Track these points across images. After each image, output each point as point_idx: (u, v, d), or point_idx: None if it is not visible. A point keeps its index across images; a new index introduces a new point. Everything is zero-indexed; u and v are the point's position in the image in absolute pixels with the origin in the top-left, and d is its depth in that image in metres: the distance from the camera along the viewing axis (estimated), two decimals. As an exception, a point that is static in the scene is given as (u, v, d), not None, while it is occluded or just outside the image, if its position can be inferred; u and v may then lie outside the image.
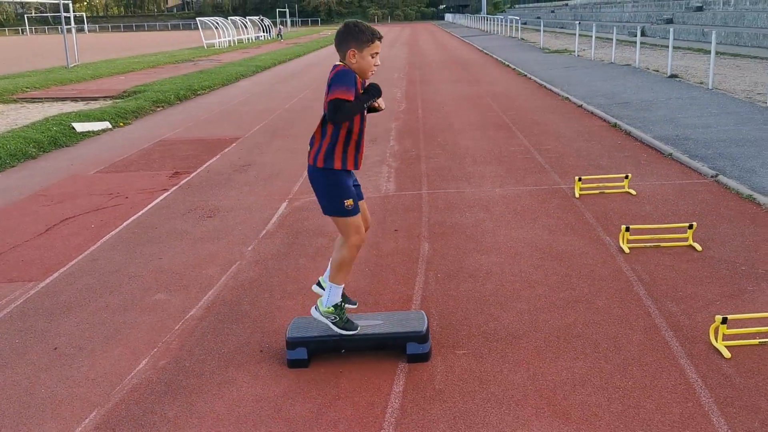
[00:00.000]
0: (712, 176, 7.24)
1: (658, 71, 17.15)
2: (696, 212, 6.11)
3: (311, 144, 3.69)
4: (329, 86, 3.50)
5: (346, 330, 3.80)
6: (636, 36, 30.86)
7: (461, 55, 29.71)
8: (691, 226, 5.29)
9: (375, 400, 3.43)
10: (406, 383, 3.56)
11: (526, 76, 18.87)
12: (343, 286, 3.81)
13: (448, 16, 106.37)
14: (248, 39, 54.62)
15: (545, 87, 16.11)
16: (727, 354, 3.62)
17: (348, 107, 3.45)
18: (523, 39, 36.91)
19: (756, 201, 6.29)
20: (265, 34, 60.28)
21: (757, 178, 6.95)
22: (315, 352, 3.81)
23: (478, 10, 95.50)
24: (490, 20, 54.39)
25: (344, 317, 3.82)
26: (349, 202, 3.65)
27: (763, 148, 8.17)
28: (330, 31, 79.65)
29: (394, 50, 36.56)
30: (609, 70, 18.33)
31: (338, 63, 3.61)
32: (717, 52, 20.47)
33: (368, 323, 3.87)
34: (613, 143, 9.31)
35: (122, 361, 3.97)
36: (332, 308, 3.81)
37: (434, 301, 4.55)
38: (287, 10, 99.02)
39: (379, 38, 3.57)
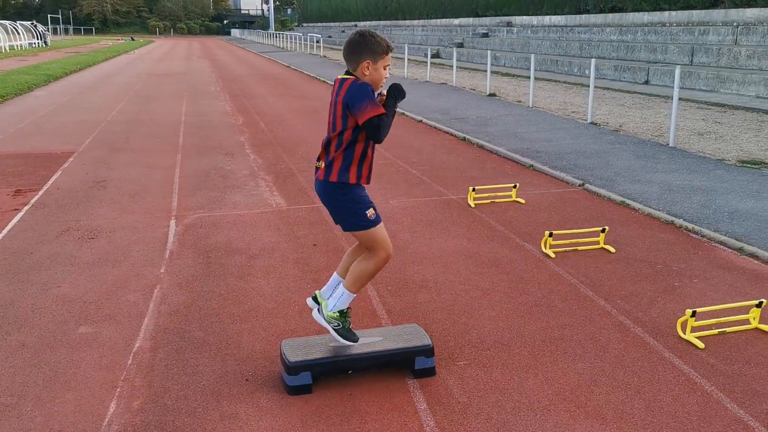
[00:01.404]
0: (579, 185, 7.86)
1: (475, 90, 18.30)
2: (587, 217, 6.59)
3: (325, 160, 3.46)
4: (351, 104, 3.31)
5: (347, 340, 3.58)
6: (437, 57, 32.77)
7: (270, 70, 29.46)
8: (603, 230, 5.70)
9: (405, 421, 3.26)
10: (428, 400, 3.43)
11: (348, 92, 19.14)
12: (354, 296, 3.60)
13: (235, 32, 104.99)
14: (20, 46, 49.80)
15: (374, 103, 16.45)
16: (701, 345, 3.94)
17: (385, 121, 3.31)
18: (325, 56, 37.49)
19: (630, 206, 6.92)
20: (38, 41, 55.32)
21: (620, 185, 7.66)
22: (320, 375, 3.54)
23: (264, 27, 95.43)
24: (286, 37, 54.62)
25: (347, 326, 3.60)
26: (370, 212, 3.47)
27: (608, 159, 9.03)
28: (111, 41, 75.06)
29: (194, 64, 35.37)
30: (429, 88, 19.20)
31: (346, 76, 3.43)
32: (512, 75, 22.40)
33: (369, 341, 3.68)
34: (473, 156, 9.76)
35: (84, 406, 3.40)
36: (338, 314, 3.58)
37: (401, 315, 4.44)
38: (60, 17, 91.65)
39: (392, 50, 3.45)
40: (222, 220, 6.63)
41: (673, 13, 22.75)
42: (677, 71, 9.87)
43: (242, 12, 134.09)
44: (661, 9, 23.48)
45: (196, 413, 3.34)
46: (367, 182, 3.52)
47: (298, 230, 6.31)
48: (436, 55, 33.32)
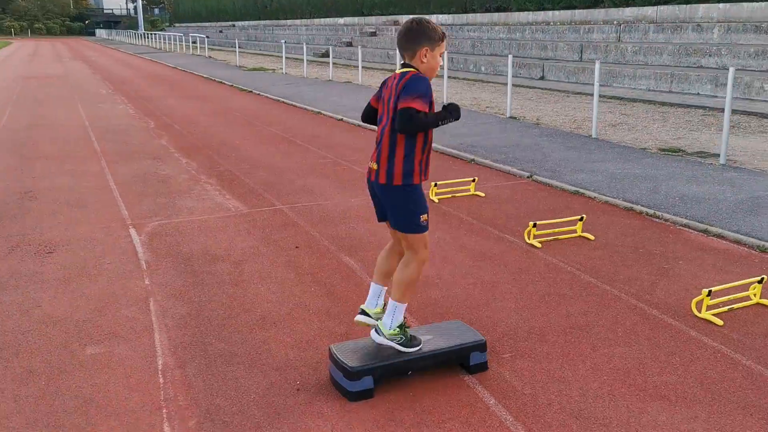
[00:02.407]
0: (527, 176, 8.09)
1: (380, 88, 18.36)
2: (550, 208, 6.78)
3: (378, 160, 3.35)
4: (403, 91, 3.21)
5: (413, 347, 3.50)
6: (326, 56, 32.63)
7: (158, 72, 28.26)
8: (581, 219, 5.89)
9: (482, 417, 3.22)
10: (494, 395, 3.40)
11: (252, 92, 18.73)
12: (406, 305, 3.50)
13: (101, 32, 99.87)
14: None
15: (284, 102, 16.21)
16: (719, 322, 4.15)
17: (421, 119, 3.18)
18: (210, 57, 36.44)
19: (586, 195, 7.20)
20: None
21: (566, 176, 7.94)
22: (381, 379, 3.43)
23: (132, 27, 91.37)
24: (159, 37, 52.56)
25: (408, 335, 3.51)
26: (424, 217, 3.40)
27: (544, 151, 9.33)
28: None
29: (69, 65, 33.40)
30: (336, 87, 19.09)
31: (405, 69, 3.33)
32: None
33: (422, 339, 3.61)
34: (411, 153, 9.80)
35: (135, 429, 3.12)
36: (397, 329, 3.48)
37: (423, 311, 4.39)
38: None
39: (446, 37, 3.40)
40: (185, 227, 6.29)
41: (557, 12, 23.86)
42: (597, 66, 10.36)
43: (106, 11, 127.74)
44: (545, 9, 24.56)
45: (263, 428, 3.15)
46: (426, 177, 3.45)
47: (271, 233, 6.09)
48: (325, 55, 33.22)
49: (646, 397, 3.38)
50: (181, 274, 5.12)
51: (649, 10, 20.04)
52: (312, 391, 3.47)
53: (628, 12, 20.77)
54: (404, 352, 3.49)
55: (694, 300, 4.33)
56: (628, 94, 15.13)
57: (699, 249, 5.52)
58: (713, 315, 4.21)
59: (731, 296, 4.40)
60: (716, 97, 13.92)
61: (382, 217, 3.61)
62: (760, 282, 4.44)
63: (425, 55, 3.31)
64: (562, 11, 23.63)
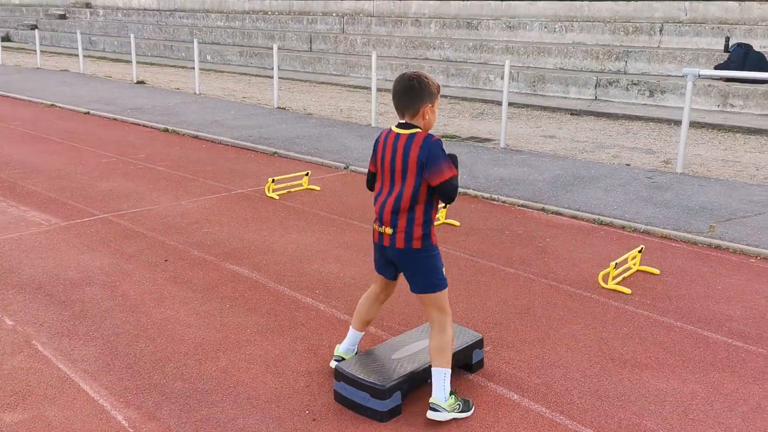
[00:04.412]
0: (344, 168, 8.05)
1: (111, 77, 16.70)
2: (390, 198, 6.84)
3: (393, 225, 3.10)
4: (429, 163, 3.00)
5: (472, 408, 3.23)
6: (7, 40, 28.54)
7: None
8: (445, 206, 6.04)
9: (521, 415, 3.18)
10: (513, 389, 3.37)
11: (-57, 81, 15.73)
12: (450, 370, 3.20)
13: None
14: None
15: (2, 95, 13.93)
16: (627, 291, 4.59)
17: (456, 182, 3.09)
18: None
19: (413, 183, 7.39)
20: None
21: (381, 165, 8.06)
22: (408, 393, 3.18)
23: None
24: None
25: (460, 398, 3.24)
26: (444, 271, 3.21)
27: (338, 141, 9.32)
28: None
29: None
30: (51, 75, 16.85)
31: (404, 130, 3.09)
32: (145, 63, 21.08)
33: (423, 345, 3.41)
34: (207, 148, 9.12)
35: None
36: (452, 398, 3.17)
37: (387, 319, 4.15)
38: None
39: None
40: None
41: (274, 2, 23.93)
42: (374, 56, 10.64)
43: None
44: (260, -3, 24.49)
45: (317, 472, 2.74)
46: None
47: (121, 247, 5.25)
48: (6, 38, 29.18)
49: (633, 368, 3.63)
50: (46, 307, 4.17)
51: (367, 4, 21.12)
52: (330, 419, 3.10)
53: (347, 5, 21.64)
54: (425, 358, 3.27)
55: (602, 273, 4.75)
56: (362, 83, 15.77)
57: (550, 226, 6.04)
58: (617, 286, 4.67)
59: (622, 268, 4.90)
60: (449, 86, 15.21)
61: (383, 273, 3.34)
62: (640, 251, 5.03)
63: (428, 113, 3.11)
64: (279, 1, 23.77)
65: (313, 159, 8.38)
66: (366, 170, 3.37)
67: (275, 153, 8.77)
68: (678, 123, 11.15)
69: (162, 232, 5.62)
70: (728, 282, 4.83)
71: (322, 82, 16.41)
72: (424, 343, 3.45)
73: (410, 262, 3.15)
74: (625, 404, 3.29)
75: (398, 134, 3.10)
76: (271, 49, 20.72)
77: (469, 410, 3.21)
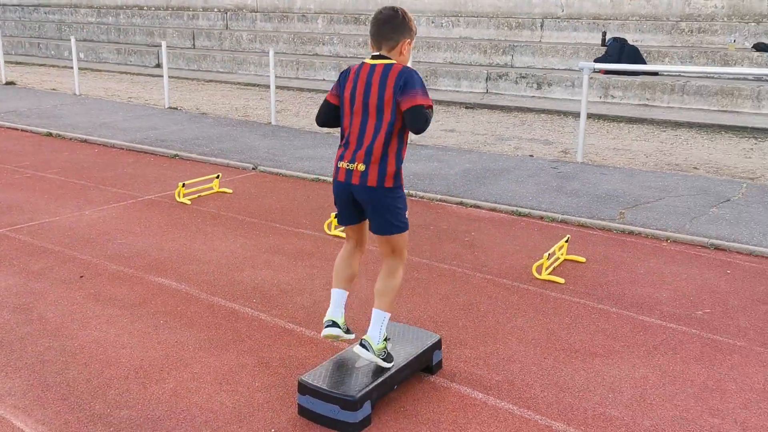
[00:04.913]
0: (252, 168, 7.80)
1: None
2: (309, 197, 6.67)
3: (366, 161, 3.01)
4: (405, 88, 2.94)
5: (391, 361, 3.21)
6: None
7: None
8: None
9: (491, 414, 3.16)
10: (477, 388, 3.35)
11: None
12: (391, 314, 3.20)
13: None
14: None
15: None
16: (561, 281, 4.70)
17: (430, 115, 3.02)
18: None
19: (328, 181, 7.26)
20: None
21: (294, 164, 7.85)
22: (376, 401, 3.08)
23: None
24: None
25: (388, 349, 3.22)
26: (407, 213, 3.15)
27: (245, 142, 9.00)
28: None
29: None
30: None
31: (378, 61, 3.04)
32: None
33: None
34: (95, 152, 8.56)
35: None
36: (384, 342, 3.16)
37: (315, 319, 4.01)
38: None
39: None
40: None
41: (149, -4, 22.93)
42: (271, 54, 10.37)
43: None
44: (134, -8, 23.36)
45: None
46: None
47: (26, 265, 4.82)
48: None
49: (585, 356, 3.71)
50: (-44, 337, 3.75)
51: (249, 0, 20.65)
52: (301, 436, 2.96)
53: (229, 0, 21.05)
54: (385, 367, 3.20)
55: (535, 264, 4.83)
56: (263, 81, 15.41)
57: (471, 219, 6.10)
58: (550, 276, 4.77)
59: (553, 258, 5.02)
60: (343, 82, 15.12)
61: (350, 221, 3.24)
62: (566, 241, 5.16)
63: (405, 48, 3.07)
64: (154, -4, 22.77)
65: (218, 160, 8.06)
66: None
67: (176, 155, 8.37)
68: (566, 114, 11.65)
69: (70, 246, 5.21)
70: (648, 266, 5.05)
71: (210, 80, 15.88)
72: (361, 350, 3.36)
73: (379, 201, 3.08)
74: (586, 394, 3.35)
75: (373, 65, 3.03)
76: (152, 46, 19.93)
77: (390, 363, 3.20)
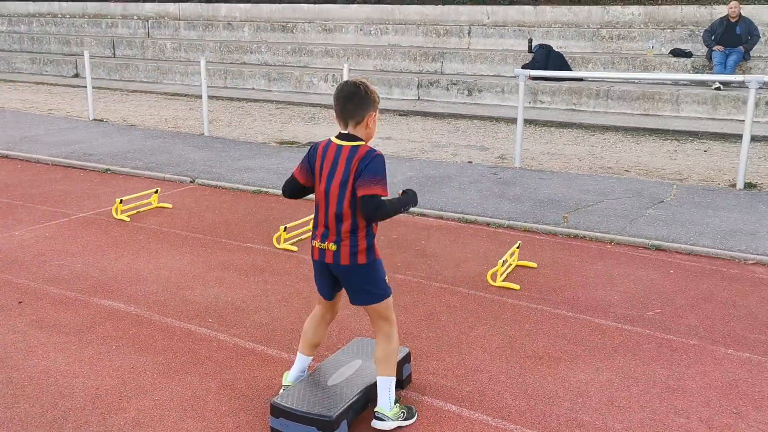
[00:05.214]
0: (190, 181, 7.58)
1: None
2: (252, 210, 6.52)
3: (337, 241, 2.96)
4: (365, 173, 2.89)
5: (413, 416, 3.19)
6: None
7: None
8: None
9: (468, 426, 3.14)
10: (450, 401, 3.32)
11: None
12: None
13: None
14: None
15: None
16: (516, 287, 4.74)
17: (387, 207, 2.94)
18: None
19: (270, 193, 7.12)
20: None
21: (234, 175, 7.67)
22: (352, 420, 3.01)
23: None
24: None
25: (404, 406, 3.21)
26: (387, 279, 3.13)
27: (179, 154, 8.75)
28: None
29: None
30: None
31: (346, 142, 2.98)
32: None
33: (355, 368, 3.26)
34: (14, 169, 8.14)
35: None
36: (397, 407, 3.12)
37: (271, 335, 3.90)
38: None
39: None
40: None
41: (64, 3, 22.06)
42: (203, 63, 10.12)
43: None
44: (49, -1, 22.49)
45: None
46: None
47: (-40, 291, 4.52)
48: None
49: (549, 362, 3.75)
50: None
51: (171, 7, 20.13)
52: (278, 461, 2.87)
53: (149, 7, 20.50)
54: (363, 381, 3.14)
55: (490, 272, 4.86)
56: (191, 91, 15.04)
57: (419, 228, 6.09)
58: (505, 283, 4.81)
59: (508, 263, 5.07)
60: (273, 91, 14.96)
61: (326, 295, 3.20)
62: (518, 247, 5.22)
63: (371, 122, 3.01)
64: (71, 2, 21.94)
65: (153, 174, 7.80)
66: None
67: (108, 170, 8.05)
68: (498, 119, 11.85)
69: (3, 270, 4.92)
70: (596, 269, 5.16)
71: (135, 90, 15.40)
72: (355, 364, 3.31)
73: (355, 277, 3.02)
74: (556, 400, 3.38)
75: (340, 146, 2.95)
76: (69, 55, 19.18)
77: (413, 417, 3.17)
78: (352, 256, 2.97)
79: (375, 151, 2.96)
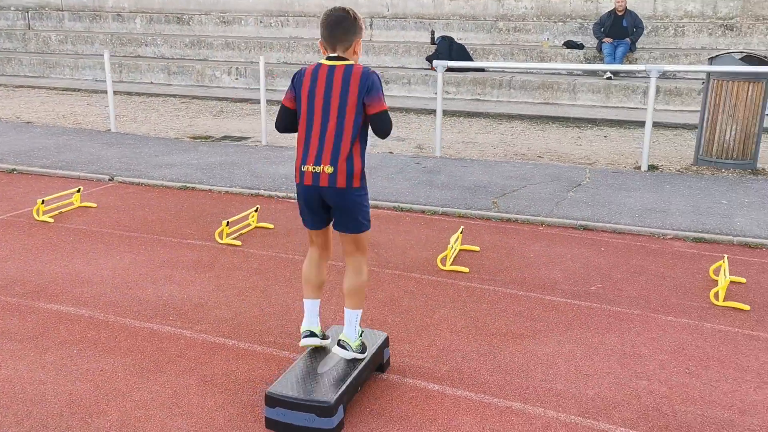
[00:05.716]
0: (109, 179, 7.28)
1: None
2: (187, 207, 6.35)
3: (334, 162, 2.99)
4: (371, 92, 3.00)
5: (365, 352, 3.30)
6: None
7: None
8: (257, 210, 5.81)
9: (451, 406, 3.25)
10: (434, 381, 3.42)
11: None
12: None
13: None
14: None
15: None
16: (466, 270, 4.90)
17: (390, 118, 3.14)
18: None
19: (197, 188, 6.95)
20: None
21: (155, 171, 7.42)
22: (347, 404, 3.05)
23: None
24: None
25: (362, 341, 3.32)
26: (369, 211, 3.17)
27: (91, 152, 8.36)
28: None
29: None
30: None
31: (336, 62, 3.04)
32: None
33: (337, 355, 3.30)
34: None
35: None
36: (360, 339, 3.26)
37: (251, 330, 3.87)
38: None
39: None
40: None
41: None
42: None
43: None
44: None
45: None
46: None
47: None
48: None
49: (515, 339, 3.92)
50: None
51: (53, -3, 19.08)
52: (280, 450, 2.87)
53: (28, -2, 19.33)
54: (354, 365, 3.20)
55: (439, 256, 5.00)
56: (83, 85, 14.36)
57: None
58: (455, 267, 4.97)
59: (457, 248, 5.22)
60: (173, 85, 14.52)
61: (317, 225, 3.21)
62: (461, 232, 5.39)
63: (358, 47, 3.12)
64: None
65: (66, 173, 7.43)
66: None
67: (14, 170, 7.59)
68: (407, 110, 12.05)
69: (-72, 278, 4.59)
70: (535, 250, 5.42)
71: (20, 86, 14.53)
72: (337, 351, 3.35)
73: (348, 201, 3.08)
74: (529, 373, 3.56)
75: (332, 66, 3.01)
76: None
77: (364, 353, 3.29)
78: (348, 179, 3.02)
79: (369, 69, 3.06)
